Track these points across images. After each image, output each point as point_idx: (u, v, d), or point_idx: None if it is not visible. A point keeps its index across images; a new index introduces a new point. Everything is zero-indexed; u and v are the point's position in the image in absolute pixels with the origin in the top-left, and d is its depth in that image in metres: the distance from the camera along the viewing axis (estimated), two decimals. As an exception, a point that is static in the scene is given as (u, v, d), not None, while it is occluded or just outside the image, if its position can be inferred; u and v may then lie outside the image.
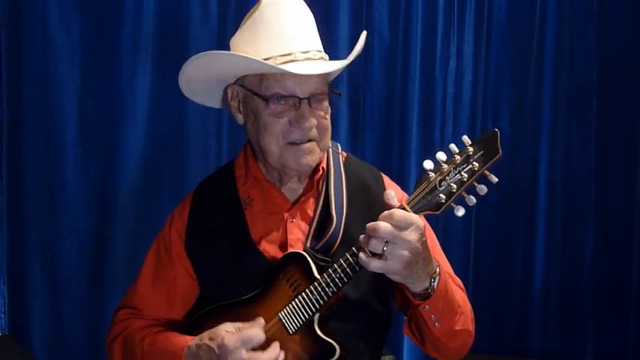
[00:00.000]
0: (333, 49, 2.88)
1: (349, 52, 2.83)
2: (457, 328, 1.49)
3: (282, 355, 1.42)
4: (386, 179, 1.69)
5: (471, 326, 1.55)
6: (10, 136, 2.49)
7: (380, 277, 1.43)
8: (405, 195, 1.63)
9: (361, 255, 1.32)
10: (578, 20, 3.14)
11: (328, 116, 1.57)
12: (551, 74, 3.13)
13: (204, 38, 2.64)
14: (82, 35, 2.54)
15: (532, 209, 3.16)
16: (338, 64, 1.53)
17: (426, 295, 1.40)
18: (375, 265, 1.30)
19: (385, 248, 1.28)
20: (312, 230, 1.54)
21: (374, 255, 1.31)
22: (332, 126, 2.85)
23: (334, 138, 2.82)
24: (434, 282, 1.40)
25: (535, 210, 3.16)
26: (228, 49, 1.59)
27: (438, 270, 1.41)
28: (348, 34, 2.85)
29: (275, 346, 1.42)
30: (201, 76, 1.59)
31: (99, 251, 2.59)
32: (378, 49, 2.93)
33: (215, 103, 1.71)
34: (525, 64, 3.12)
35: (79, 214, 2.56)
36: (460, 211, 1.32)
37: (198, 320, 1.58)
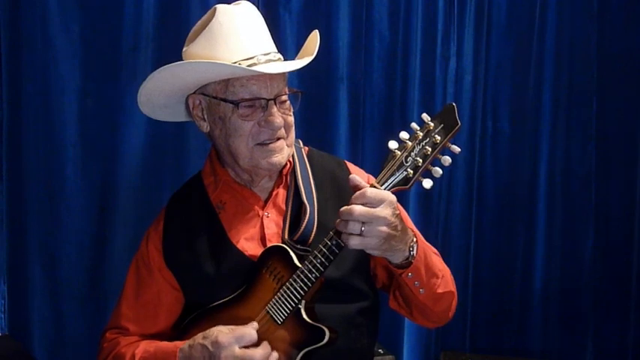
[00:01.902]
0: (332, 50, 2.89)
1: (349, 52, 2.82)
2: (440, 290, 1.55)
3: (274, 355, 1.46)
4: (350, 165, 1.75)
5: (452, 287, 1.61)
6: (10, 136, 2.49)
7: (361, 258, 1.54)
8: (371, 177, 1.69)
9: (344, 235, 1.36)
10: (578, 20, 3.14)
11: (292, 113, 1.62)
12: (551, 74, 3.13)
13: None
14: (82, 35, 2.53)
15: (532, 209, 3.16)
16: (305, 61, 1.60)
17: (407, 264, 1.46)
18: (355, 242, 1.35)
19: (363, 228, 1.34)
20: (287, 221, 1.59)
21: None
22: (332, 126, 2.90)
23: (335, 138, 2.87)
24: (413, 250, 1.46)
25: (535, 210, 3.16)
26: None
27: (414, 239, 1.47)
28: (348, 35, 2.85)
29: (266, 345, 1.47)
30: (166, 88, 1.62)
31: (99, 251, 2.59)
32: (378, 49, 2.93)
33: (173, 116, 1.75)
34: (525, 64, 3.12)
35: (79, 214, 2.57)
36: (427, 183, 1.40)
37: (186, 327, 1.60)
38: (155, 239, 1.67)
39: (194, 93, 1.63)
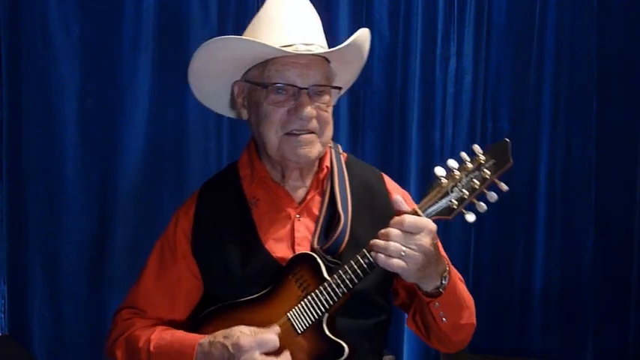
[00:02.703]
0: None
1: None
2: (463, 322, 1.53)
3: None
4: (387, 179, 1.71)
5: (474, 319, 1.59)
6: (10, 136, 2.49)
7: (385, 274, 1.49)
8: (407, 194, 1.68)
9: (380, 256, 1.35)
10: (578, 20, 3.14)
11: (330, 110, 1.59)
12: (551, 74, 3.13)
13: (204, 38, 2.61)
14: (82, 35, 2.54)
15: (532, 209, 3.16)
16: (333, 49, 1.55)
17: (436, 294, 1.44)
18: (393, 264, 1.33)
19: (402, 253, 1.32)
20: (318, 228, 1.56)
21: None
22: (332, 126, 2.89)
23: (335, 138, 2.83)
24: (444, 281, 1.44)
25: (535, 210, 3.16)
26: None
27: (447, 268, 1.45)
28: (348, 35, 2.84)
29: (287, 355, 1.43)
30: (209, 70, 1.59)
31: (99, 251, 2.59)
32: (378, 49, 2.92)
33: (223, 108, 1.73)
34: (525, 64, 3.12)
35: (79, 214, 2.56)
36: (471, 217, 1.37)
37: (204, 319, 1.58)
38: (184, 224, 1.63)
39: (239, 80, 1.61)
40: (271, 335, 1.42)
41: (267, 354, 1.40)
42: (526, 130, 3.14)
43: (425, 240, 1.33)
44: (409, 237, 1.33)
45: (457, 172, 1.36)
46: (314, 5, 2.80)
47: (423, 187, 1.40)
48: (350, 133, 2.89)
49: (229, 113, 1.76)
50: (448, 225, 3.05)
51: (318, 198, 1.62)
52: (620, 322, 3.21)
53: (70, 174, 2.55)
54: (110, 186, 2.60)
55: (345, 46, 1.56)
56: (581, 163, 3.18)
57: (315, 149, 1.55)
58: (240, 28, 2.61)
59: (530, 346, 3.16)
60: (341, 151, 1.69)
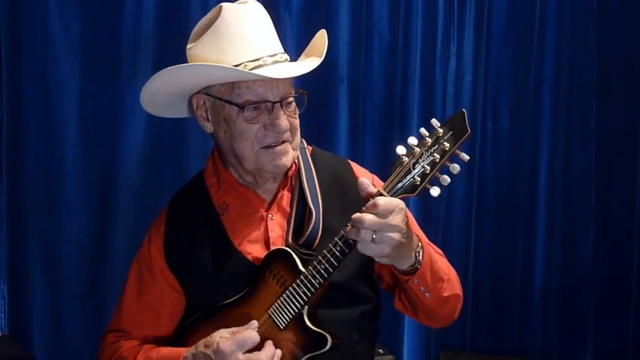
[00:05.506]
0: (332, 50, 2.89)
1: (349, 52, 2.82)
2: (446, 294, 1.54)
3: (278, 352, 1.45)
4: (354, 165, 1.72)
5: (458, 290, 1.60)
6: (10, 136, 2.50)
7: (364, 262, 1.51)
8: (376, 178, 1.68)
9: (357, 244, 1.35)
10: (578, 20, 3.14)
11: (297, 116, 1.59)
12: (551, 74, 3.13)
13: (204, 38, 2.64)
14: (82, 35, 2.54)
15: (532, 209, 3.16)
16: (313, 65, 1.56)
17: (413, 270, 1.45)
18: (367, 249, 1.34)
19: (374, 236, 1.32)
20: (291, 225, 1.57)
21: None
22: (332, 127, 2.90)
23: (334, 138, 2.86)
24: (419, 256, 1.45)
25: (535, 210, 3.16)
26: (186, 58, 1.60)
27: (420, 244, 1.46)
28: (348, 35, 2.85)
29: (270, 345, 1.46)
30: (170, 89, 1.59)
31: (99, 251, 2.60)
32: (378, 49, 2.93)
33: (175, 113, 1.73)
34: (525, 64, 3.12)
35: (79, 214, 2.57)
36: (435, 191, 1.37)
37: (189, 328, 1.59)
38: (157, 242, 1.64)
39: (198, 93, 1.60)
40: (248, 333, 1.44)
41: (251, 349, 1.42)
42: (526, 130, 3.14)
43: (397, 220, 1.33)
44: (383, 220, 1.32)
45: (417, 149, 1.37)
46: (315, 6, 2.82)
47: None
48: (350, 133, 2.89)
49: (179, 116, 1.74)
50: (448, 226, 3.06)
51: (287, 195, 1.63)
52: (620, 322, 3.22)
53: (70, 174, 2.55)
54: (110, 186, 2.60)
55: (319, 61, 1.58)
56: (581, 163, 3.18)
57: (290, 157, 1.57)
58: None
59: (530, 346, 3.17)
60: (305, 145, 1.70)
